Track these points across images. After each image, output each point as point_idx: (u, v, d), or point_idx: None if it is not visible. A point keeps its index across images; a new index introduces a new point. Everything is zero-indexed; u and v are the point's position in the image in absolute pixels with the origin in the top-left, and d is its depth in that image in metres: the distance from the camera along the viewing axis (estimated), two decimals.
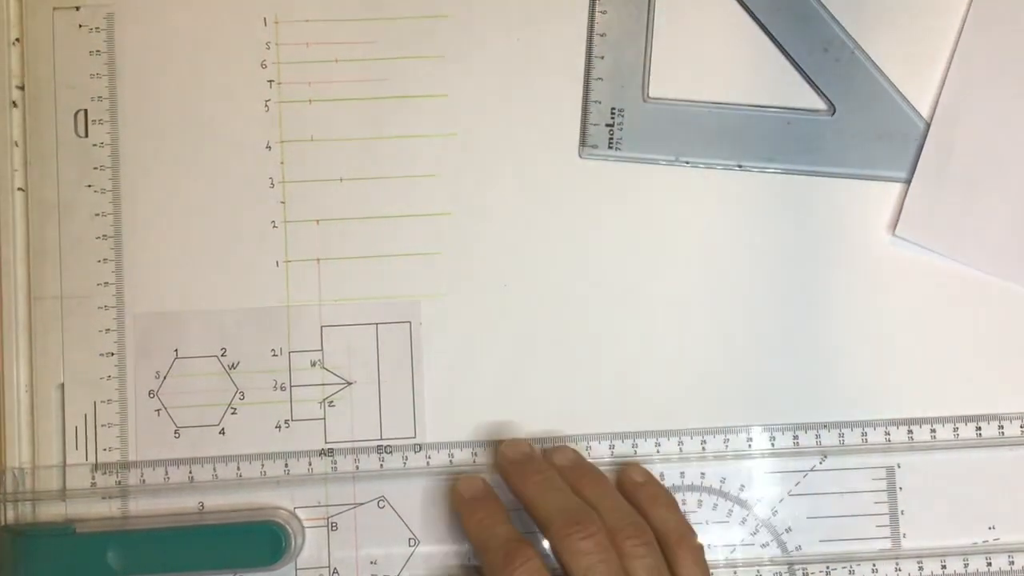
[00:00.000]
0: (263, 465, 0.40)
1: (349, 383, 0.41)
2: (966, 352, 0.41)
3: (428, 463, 0.40)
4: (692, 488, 0.41)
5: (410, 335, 0.41)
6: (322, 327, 0.41)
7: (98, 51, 0.41)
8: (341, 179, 0.41)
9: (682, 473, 0.41)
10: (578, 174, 0.42)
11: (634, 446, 0.41)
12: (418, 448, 0.41)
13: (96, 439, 0.40)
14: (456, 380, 0.41)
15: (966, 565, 0.41)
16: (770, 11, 0.41)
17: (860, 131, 0.41)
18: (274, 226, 0.41)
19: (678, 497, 0.40)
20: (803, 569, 0.41)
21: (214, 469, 0.40)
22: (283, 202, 0.41)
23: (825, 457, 0.41)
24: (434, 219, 0.41)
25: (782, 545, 0.41)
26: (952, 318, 0.41)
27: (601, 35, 0.41)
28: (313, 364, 0.41)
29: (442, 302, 0.41)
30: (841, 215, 0.41)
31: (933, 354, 0.41)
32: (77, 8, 0.41)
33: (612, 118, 0.41)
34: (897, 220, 0.41)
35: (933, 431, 0.41)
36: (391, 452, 0.40)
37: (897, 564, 0.41)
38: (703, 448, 0.41)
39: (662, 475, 0.41)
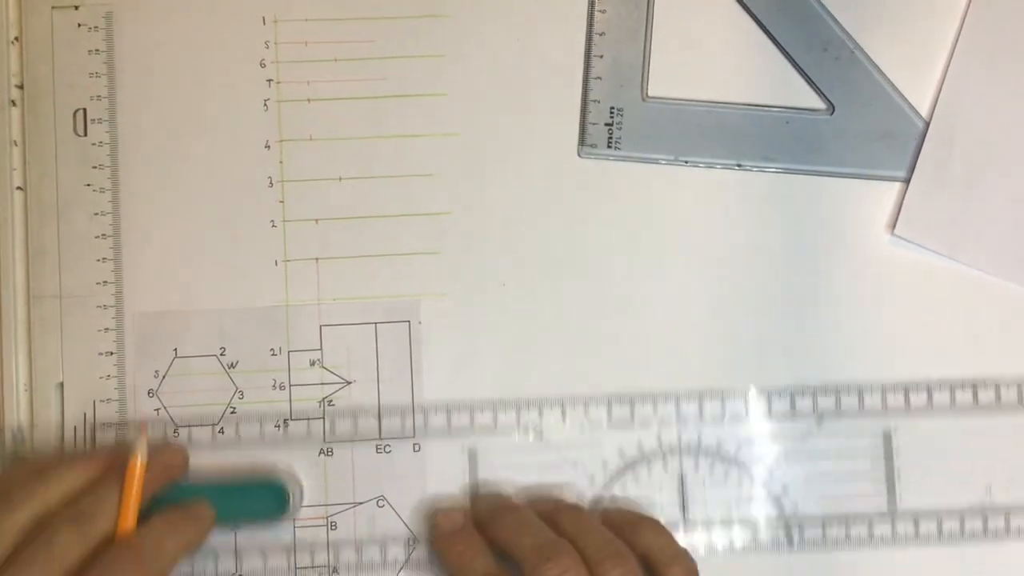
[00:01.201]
0: (260, 423, 0.41)
1: (348, 382, 0.41)
2: (965, 350, 0.41)
3: (426, 465, 0.40)
4: (689, 451, 0.41)
5: (409, 334, 0.41)
6: (321, 326, 0.41)
7: (97, 50, 0.41)
8: (340, 178, 0.41)
9: (679, 436, 0.41)
10: (578, 173, 0.42)
11: (631, 410, 0.41)
12: (418, 447, 0.40)
13: (95, 438, 0.40)
14: (455, 379, 0.41)
15: (962, 526, 0.41)
16: (769, 10, 0.41)
17: (859, 130, 0.41)
18: (273, 225, 0.41)
19: (674, 461, 0.40)
20: (799, 529, 0.41)
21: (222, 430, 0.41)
22: (282, 201, 0.41)
23: (822, 420, 0.41)
24: (434, 218, 0.41)
25: (779, 506, 0.41)
26: (951, 318, 0.41)
27: (600, 34, 0.41)
28: (312, 363, 0.41)
29: (442, 301, 0.41)
30: (841, 215, 0.41)
31: (931, 351, 0.41)
32: (76, 7, 0.41)
33: (611, 117, 0.41)
34: (896, 219, 0.41)
35: (929, 396, 0.41)
36: (390, 451, 0.40)
37: (893, 525, 0.41)
38: (700, 411, 0.41)
39: (659, 437, 0.41)
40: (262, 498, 0.39)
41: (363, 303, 0.41)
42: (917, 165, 0.41)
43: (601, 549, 0.36)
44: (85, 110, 0.41)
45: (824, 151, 0.41)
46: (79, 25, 0.41)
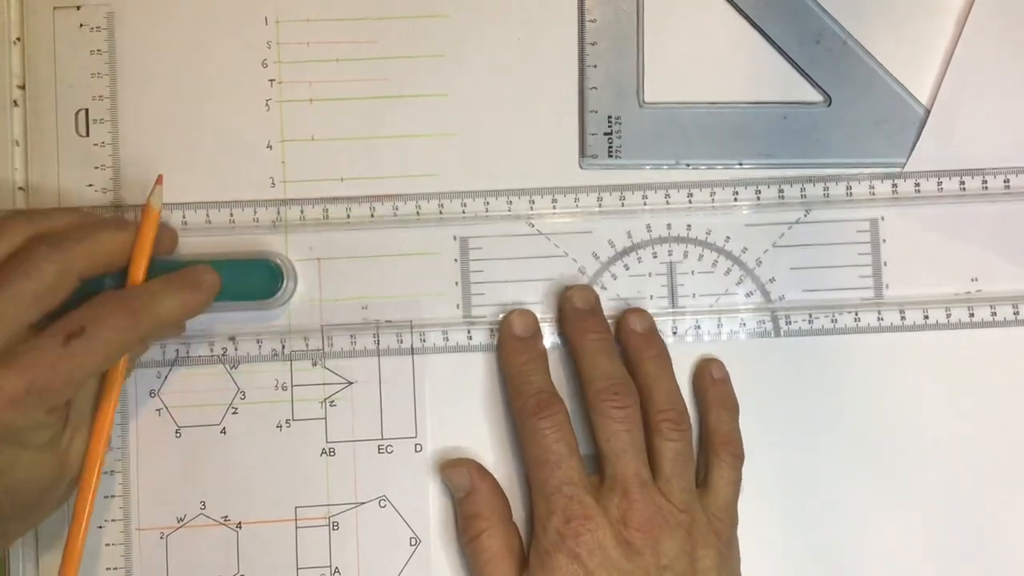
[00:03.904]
0: (256, 212, 0.41)
1: (350, 383, 0.41)
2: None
3: (430, 464, 0.41)
4: (678, 240, 0.41)
5: (411, 334, 0.41)
6: (323, 326, 0.41)
7: (99, 50, 0.41)
8: (342, 179, 0.41)
9: (668, 225, 0.41)
10: (578, 172, 0.42)
11: (621, 198, 0.41)
12: (419, 447, 0.41)
13: None
14: (457, 378, 0.41)
15: (948, 316, 0.41)
16: (759, 7, 0.41)
17: (858, 120, 0.41)
18: (275, 225, 0.41)
19: (663, 248, 0.41)
20: (786, 317, 0.41)
21: (208, 214, 0.41)
22: (284, 201, 0.41)
23: (809, 211, 0.41)
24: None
25: (766, 295, 0.41)
26: None
27: (592, 44, 0.41)
28: (314, 364, 0.41)
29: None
30: None
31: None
32: (78, 7, 0.41)
33: (609, 126, 0.41)
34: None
35: (917, 185, 0.41)
36: (392, 451, 0.41)
37: (879, 313, 0.41)
38: (690, 200, 0.41)
39: (649, 226, 0.41)
40: (256, 274, 0.39)
41: (365, 303, 0.41)
42: (915, 152, 0.41)
43: (666, 402, 0.38)
44: (87, 110, 0.41)
45: (823, 143, 0.41)
46: (81, 25, 0.41)
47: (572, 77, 0.42)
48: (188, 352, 0.41)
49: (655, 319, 0.41)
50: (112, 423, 0.36)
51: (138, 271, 0.36)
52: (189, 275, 0.37)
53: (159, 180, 0.38)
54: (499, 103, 0.42)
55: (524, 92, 0.42)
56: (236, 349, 0.41)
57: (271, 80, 0.41)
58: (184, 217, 0.41)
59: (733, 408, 0.40)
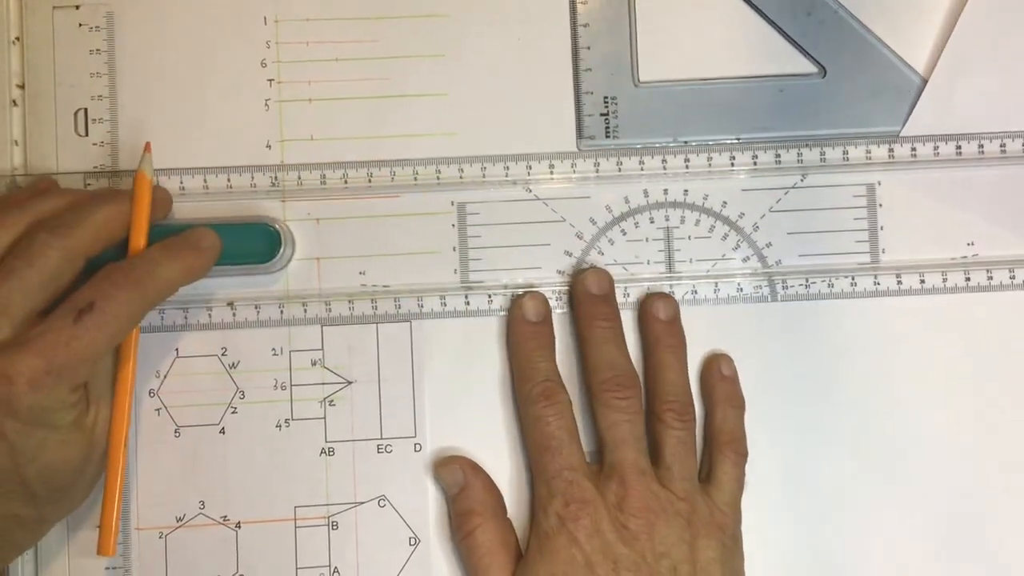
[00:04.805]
0: (253, 176, 0.41)
1: (349, 382, 0.41)
2: None
3: (429, 464, 0.41)
4: (675, 205, 0.41)
5: (410, 333, 0.41)
6: (322, 326, 0.41)
7: (98, 50, 0.41)
8: (342, 177, 0.41)
9: (665, 190, 0.41)
10: (578, 172, 0.42)
11: (618, 163, 0.41)
12: (418, 447, 0.41)
13: None
14: (456, 378, 0.41)
15: (945, 280, 0.41)
16: None
17: (853, 90, 0.42)
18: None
19: (659, 214, 0.41)
20: (783, 282, 0.41)
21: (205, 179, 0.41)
22: (284, 201, 0.41)
23: (806, 176, 0.41)
24: (434, 217, 0.41)
25: (763, 259, 0.41)
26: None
27: (584, 25, 0.42)
28: (313, 363, 0.41)
29: (443, 300, 0.41)
30: None
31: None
32: (77, 7, 0.41)
33: (606, 107, 0.41)
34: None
35: (914, 149, 0.41)
36: (391, 451, 0.41)
37: (876, 278, 0.41)
38: (687, 166, 0.41)
39: (646, 192, 0.41)
40: (254, 238, 0.39)
41: (364, 302, 0.41)
42: (912, 120, 0.41)
43: (672, 392, 0.39)
44: (86, 110, 0.41)
45: (820, 115, 0.42)
46: (80, 25, 0.41)
47: (571, 73, 0.42)
48: (187, 319, 0.41)
49: (652, 285, 0.41)
50: (132, 394, 0.37)
51: (138, 240, 0.37)
52: (190, 238, 0.37)
53: (147, 147, 0.38)
54: (499, 103, 0.42)
55: (524, 92, 0.42)
56: (234, 315, 0.41)
57: (270, 80, 0.41)
58: (182, 183, 0.41)
59: (740, 406, 0.40)
